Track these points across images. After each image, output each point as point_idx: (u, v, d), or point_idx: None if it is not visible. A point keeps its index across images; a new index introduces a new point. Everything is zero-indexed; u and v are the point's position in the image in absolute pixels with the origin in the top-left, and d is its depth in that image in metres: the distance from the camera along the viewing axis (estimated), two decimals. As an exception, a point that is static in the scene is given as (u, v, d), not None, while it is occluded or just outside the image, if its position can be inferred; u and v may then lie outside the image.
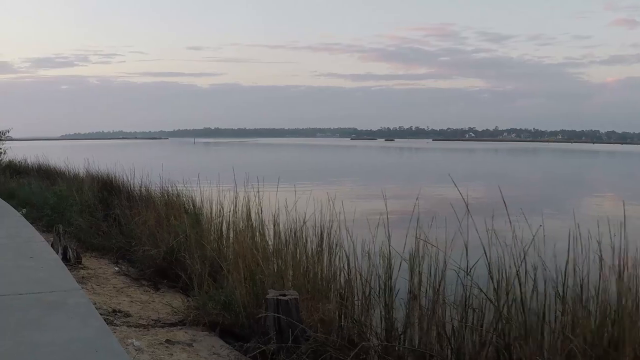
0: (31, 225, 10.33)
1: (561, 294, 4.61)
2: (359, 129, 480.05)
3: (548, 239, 4.83)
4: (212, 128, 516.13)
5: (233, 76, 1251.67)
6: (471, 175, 35.72)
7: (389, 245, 5.83)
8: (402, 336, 5.29)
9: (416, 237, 5.46)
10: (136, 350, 5.23)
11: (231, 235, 8.45)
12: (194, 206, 10.06)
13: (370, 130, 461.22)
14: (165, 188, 11.22)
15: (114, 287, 7.95)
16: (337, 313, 5.77)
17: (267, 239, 7.48)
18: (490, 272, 4.68)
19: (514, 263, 4.61)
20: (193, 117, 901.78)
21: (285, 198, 7.92)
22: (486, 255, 4.74)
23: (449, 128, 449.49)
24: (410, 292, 5.33)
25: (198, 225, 8.89)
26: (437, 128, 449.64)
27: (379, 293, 5.56)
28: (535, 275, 4.65)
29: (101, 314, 6.13)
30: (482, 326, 4.73)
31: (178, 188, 10.94)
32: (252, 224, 7.81)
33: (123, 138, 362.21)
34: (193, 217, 9.19)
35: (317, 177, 30.53)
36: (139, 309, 6.99)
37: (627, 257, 4.65)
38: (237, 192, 8.70)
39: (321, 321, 5.56)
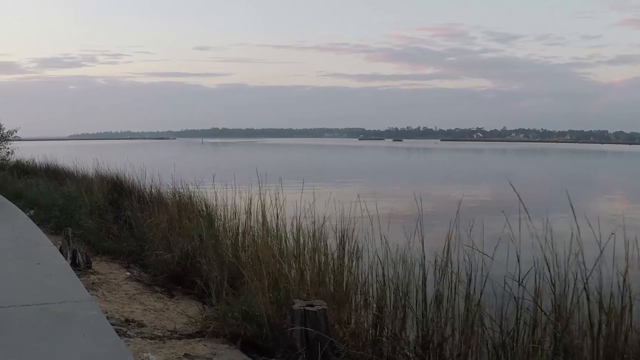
0: (38, 228, 9.93)
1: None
2: (366, 129, 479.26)
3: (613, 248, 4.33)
4: (220, 128, 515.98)
5: (240, 76, 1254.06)
6: (493, 175, 35.24)
7: (423, 250, 5.41)
8: (437, 349, 4.86)
9: (447, 238, 5.05)
10: (153, 366, 4.81)
11: (247, 239, 8.04)
12: (206, 208, 9.63)
13: (378, 130, 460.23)
14: (177, 189, 10.80)
15: (126, 293, 7.54)
16: (370, 324, 5.32)
17: (286, 243, 7.01)
18: (552, 284, 4.14)
19: (581, 275, 4.08)
20: (200, 117, 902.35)
21: (302, 199, 7.45)
22: (547, 265, 4.22)
23: (457, 128, 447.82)
24: (438, 299, 4.91)
25: (212, 228, 8.47)
26: (445, 128, 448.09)
27: (415, 304, 5.11)
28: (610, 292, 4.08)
29: (113, 324, 5.72)
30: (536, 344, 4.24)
31: (190, 189, 10.52)
32: (272, 227, 7.36)
33: (131, 138, 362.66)
34: (207, 219, 8.75)
35: (331, 177, 29.89)
36: (153, 318, 6.56)
37: None
38: (251, 193, 8.28)
39: (352, 334, 5.11)
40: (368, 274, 5.89)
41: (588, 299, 4.11)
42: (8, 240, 8.28)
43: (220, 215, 9.05)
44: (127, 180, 13.78)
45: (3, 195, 14.52)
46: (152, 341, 5.61)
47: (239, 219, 8.42)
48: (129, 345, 5.12)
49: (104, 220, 11.15)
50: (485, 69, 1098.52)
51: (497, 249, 5.04)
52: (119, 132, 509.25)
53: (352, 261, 6.20)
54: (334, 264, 6.19)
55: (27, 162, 24.31)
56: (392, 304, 5.31)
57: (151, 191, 12.05)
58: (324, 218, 6.82)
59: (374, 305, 5.47)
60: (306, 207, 7.20)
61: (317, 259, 6.44)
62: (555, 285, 4.16)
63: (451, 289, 4.89)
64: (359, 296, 5.91)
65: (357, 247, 6.24)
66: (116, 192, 12.97)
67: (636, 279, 4.08)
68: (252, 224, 8.03)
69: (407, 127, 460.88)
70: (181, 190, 10.67)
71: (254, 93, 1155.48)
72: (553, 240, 4.36)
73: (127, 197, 11.77)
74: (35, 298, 5.35)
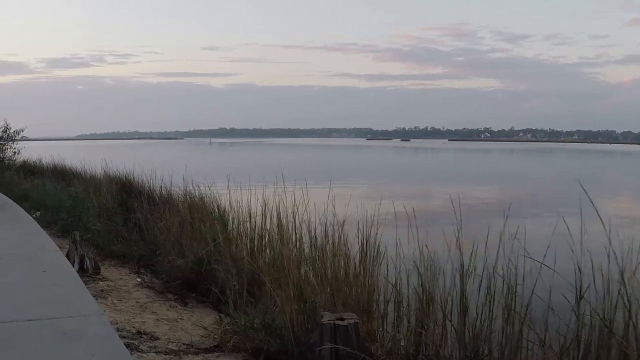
0: (44, 231, 9.45)
1: None
2: (374, 129, 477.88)
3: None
4: (228, 128, 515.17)
5: (248, 76, 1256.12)
6: (511, 175, 34.64)
7: (461, 257, 4.93)
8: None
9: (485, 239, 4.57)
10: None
11: (264, 242, 7.58)
12: (218, 210, 9.17)
13: (386, 130, 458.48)
14: (188, 190, 10.35)
15: (137, 301, 7.08)
16: (406, 340, 4.83)
17: (311, 248, 6.51)
18: (627, 301, 3.59)
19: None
20: (208, 117, 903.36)
21: (320, 200, 6.98)
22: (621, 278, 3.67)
23: (464, 128, 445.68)
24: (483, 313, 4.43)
25: (226, 231, 8.00)
26: (453, 128, 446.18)
27: (457, 319, 4.62)
28: None
29: (124, 337, 5.28)
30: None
31: (201, 190, 10.07)
32: (290, 230, 6.89)
33: (139, 138, 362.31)
34: (221, 223, 8.28)
35: (344, 177, 29.36)
36: (167, 329, 6.10)
37: None
38: (265, 194, 7.83)
39: (389, 352, 4.63)
40: (398, 281, 5.42)
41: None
42: (12, 246, 7.80)
43: (235, 217, 8.60)
44: (137, 180, 13.38)
45: (9, 197, 14.08)
46: (167, 356, 5.15)
47: (255, 222, 7.96)
48: (141, 362, 4.67)
49: (112, 223, 10.74)
50: (493, 69, 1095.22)
51: (546, 256, 4.55)
52: (127, 132, 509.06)
53: (377, 267, 5.73)
54: (363, 270, 5.69)
55: (34, 162, 23.91)
56: (432, 318, 4.82)
57: (161, 192, 11.65)
58: (344, 220, 6.35)
59: (411, 319, 4.98)
60: (325, 208, 6.73)
61: (341, 264, 5.95)
62: (630, 301, 3.59)
63: (499, 302, 4.40)
64: (391, 307, 5.42)
65: (382, 251, 5.78)
66: (125, 193, 12.56)
67: None
68: (267, 227, 7.58)
69: (415, 127, 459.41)
70: (192, 192, 10.23)
71: (262, 93, 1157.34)
72: (622, 247, 3.82)
73: (136, 198, 11.31)
74: (40, 311, 4.86)
